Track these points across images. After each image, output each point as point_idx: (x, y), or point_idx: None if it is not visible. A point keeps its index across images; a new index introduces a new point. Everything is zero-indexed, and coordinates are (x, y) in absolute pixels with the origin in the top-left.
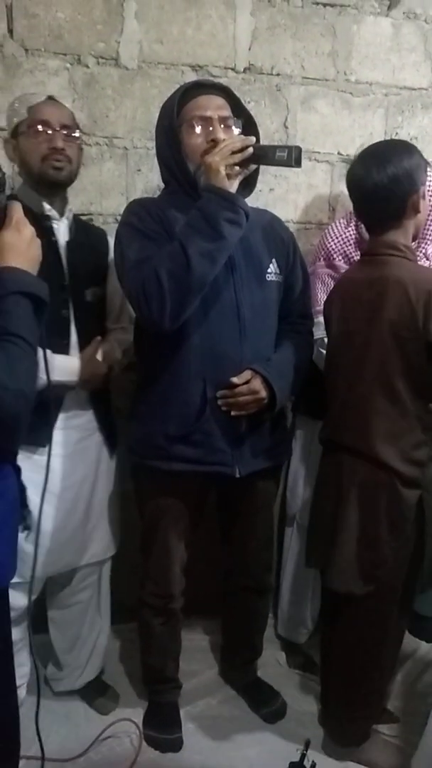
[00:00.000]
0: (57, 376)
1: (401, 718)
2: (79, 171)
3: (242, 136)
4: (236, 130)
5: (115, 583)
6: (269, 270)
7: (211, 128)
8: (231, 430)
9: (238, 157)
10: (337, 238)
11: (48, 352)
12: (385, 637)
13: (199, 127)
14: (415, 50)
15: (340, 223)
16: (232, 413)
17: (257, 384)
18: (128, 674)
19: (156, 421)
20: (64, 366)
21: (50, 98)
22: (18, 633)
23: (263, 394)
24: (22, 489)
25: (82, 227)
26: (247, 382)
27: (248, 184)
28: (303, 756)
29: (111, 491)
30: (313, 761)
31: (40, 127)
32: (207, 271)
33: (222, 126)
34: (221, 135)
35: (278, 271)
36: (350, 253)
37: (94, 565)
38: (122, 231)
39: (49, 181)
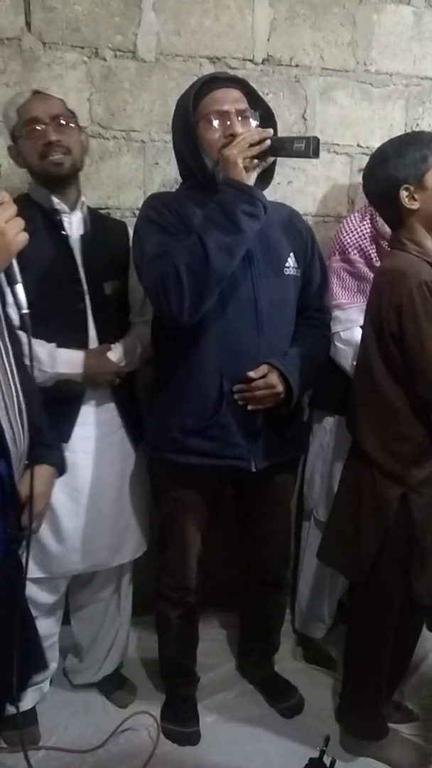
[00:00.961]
0: (61, 369)
1: (421, 716)
2: (85, 158)
3: (260, 128)
4: (254, 123)
5: (135, 577)
6: (287, 264)
7: (228, 122)
8: (247, 424)
9: (255, 150)
10: (352, 232)
11: (52, 346)
12: (384, 632)
13: (217, 121)
14: None
15: (355, 217)
16: (249, 407)
17: (274, 378)
18: (146, 667)
19: (173, 415)
20: (66, 359)
21: (36, 92)
22: (48, 628)
23: (280, 388)
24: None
25: (98, 220)
26: (263, 377)
27: (266, 177)
28: (322, 752)
29: (141, 488)
30: (333, 758)
31: (32, 126)
32: (225, 264)
33: (239, 119)
34: (239, 129)
35: (296, 265)
36: (365, 247)
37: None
38: (141, 225)
39: (52, 177)
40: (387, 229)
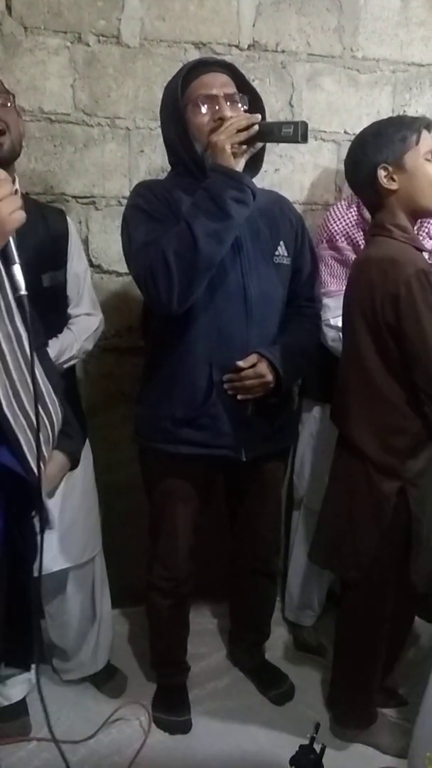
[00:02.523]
0: None
1: (409, 701)
2: (22, 145)
3: (247, 114)
4: (242, 107)
5: (123, 567)
6: (277, 252)
7: (217, 107)
8: (237, 413)
9: (243, 135)
10: (339, 219)
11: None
12: (379, 624)
13: (205, 106)
14: (424, 24)
15: (341, 205)
16: (239, 397)
17: (263, 368)
18: (137, 658)
19: (163, 405)
20: None
21: None
22: None
23: (269, 377)
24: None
25: (35, 208)
26: (253, 366)
27: (255, 163)
28: (312, 739)
29: (88, 488)
30: (322, 744)
31: None
32: (214, 251)
33: (228, 103)
34: (228, 113)
35: (286, 254)
36: (353, 234)
37: (79, 567)
38: (129, 213)
39: None
40: None
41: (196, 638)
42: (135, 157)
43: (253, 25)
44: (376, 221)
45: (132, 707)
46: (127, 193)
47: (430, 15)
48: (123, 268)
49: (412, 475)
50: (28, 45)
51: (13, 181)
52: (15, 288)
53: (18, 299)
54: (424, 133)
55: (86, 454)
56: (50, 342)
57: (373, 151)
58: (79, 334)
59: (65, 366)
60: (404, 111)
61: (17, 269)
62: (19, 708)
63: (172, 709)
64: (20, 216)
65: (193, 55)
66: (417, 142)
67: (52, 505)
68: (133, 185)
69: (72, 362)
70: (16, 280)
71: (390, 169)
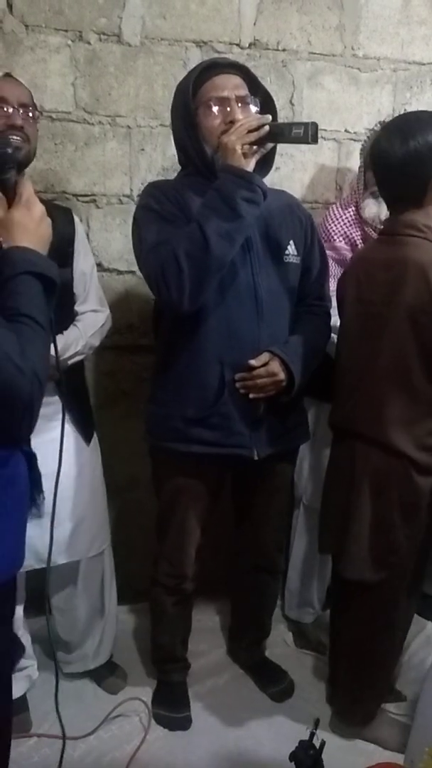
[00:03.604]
0: None
1: (408, 697)
2: (36, 152)
3: (258, 114)
4: (254, 109)
5: (123, 564)
6: (287, 252)
7: (228, 109)
8: (249, 412)
9: (254, 136)
10: (337, 219)
11: None
12: (394, 622)
13: (217, 108)
14: (425, 23)
15: (338, 206)
16: (251, 396)
17: (275, 366)
18: (137, 654)
19: (174, 404)
20: None
21: (8, 75)
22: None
23: (282, 376)
24: (38, 475)
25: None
26: (265, 365)
27: (266, 163)
28: (312, 734)
29: (96, 484)
30: (322, 740)
31: None
32: (225, 251)
33: (239, 105)
34: (239, 115)
35: (296, 253)
36: (351, 234)
37: (92, 560)
38: (139, 214)
39: None
40: (372, 215)
41: (196, 635)
42: (136, 156)
43: (254, 24)
44: (405, 221)
45: (132, 703)
46: (128, 191)
47: (431, 14)
48: (123, 266)
49: None
50: (30, 43)
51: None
52: None
53: None
54: None
55: (94, 449)
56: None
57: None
58: (85, 330)
59: (69, 362)
60: (405, 110)
61: None
62: (20, 704)
63: (172, 705)
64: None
65: (194, 53)
66: None
67: (63, 498)
68: (134, 183)
69: (77, 358)
70: None
71: None
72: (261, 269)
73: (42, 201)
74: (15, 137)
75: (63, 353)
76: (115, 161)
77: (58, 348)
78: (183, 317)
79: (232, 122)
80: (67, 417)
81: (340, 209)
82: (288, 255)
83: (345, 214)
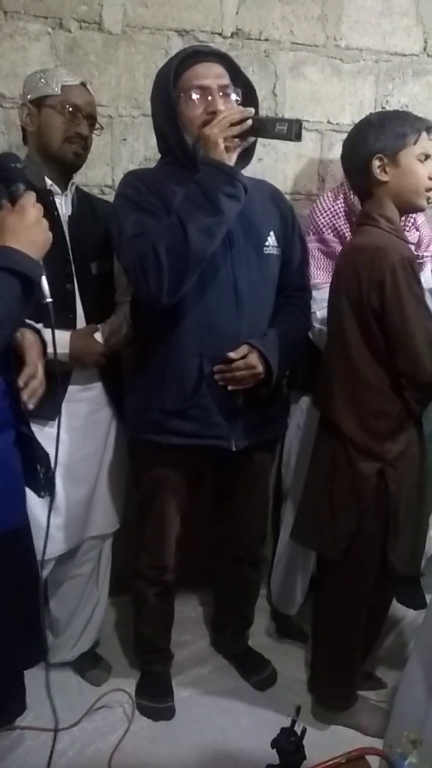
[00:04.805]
0: (48, 349)
1: (389, 684)
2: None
3: (241, 107)
4: (234, 98)
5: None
6: (267, 243)
7: (210, 98)
8: (227, 404)
9: (236, 130)
10: (325, 211)
11: (39, 326)
12: (359, 606)
13: (198, 97)
14: (407, 14)
15: (328, 196)
16: (229, 388)
17: (254, 359)
18: (121, 646)
19: (153, 396)
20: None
21: (83, 85)
22: None
23: (260, 368)
24: (44, 453)
25: (85, 199)
26: (244, 357)
27: (246, 154)
28: (294, 721)
29: (119, 465)
30: (303, 726)
31: (71, 109)
32: (206, 246)
33: (221, 95)
34: (221, 105)
35: (276, 244)
36: (340, 226)
37: (97, 538)
38: (118, 203)
39: (64, 163)
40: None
41: (179, 626)
42: (117, 146)
43: (237, 13)
44: (364, 210)
45: (116, 695)
46: (110, 182)
47: (413, 5)
48: None
49: (391, 457)
50: (9, 30)
51: (70, 178)
52: (43, 295)
53: (45, 306)
54: (423, 135)
55: (119, 432)
56: (99, 326)
57: (372, 140)
58: (127, 318)
59: (113, 349)
60: (387, 101)
61: (44, 279)
62: None
63: (155, 695)
64: (50, 237)
65: (176, 42)
66: (414, 142)
67: (86, 476)
68: (116, 174)
69: (120, 345)
70: (43, 290)
71: (385, 160)
72: (241, 261)
73: (87, 195)
74: (79, 146)
75: (108, 341)
76: (97, 151)
77: (102, 337)
78: (162, 310)
79: (214, 112)
80: (107, 400)
81: (329, 201)
82: (268, 246)
83: (334, 207)
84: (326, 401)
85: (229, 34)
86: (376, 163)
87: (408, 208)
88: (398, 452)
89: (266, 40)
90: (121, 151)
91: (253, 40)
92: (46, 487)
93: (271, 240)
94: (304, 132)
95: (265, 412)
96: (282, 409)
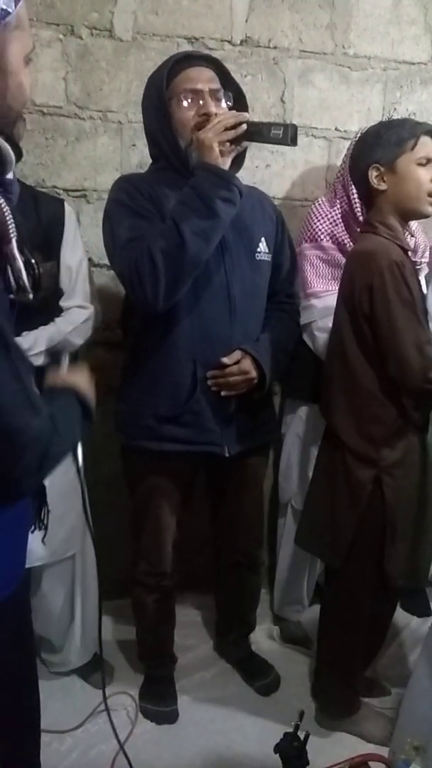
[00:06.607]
0: None
1: (392, 691)
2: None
3: (234, 111)
4: (224, 103)
5: (108, 560)
6: (259, 249)
7: (201, 101)
8: (221, 410)
9: (231, 134)
10: (322, 218)
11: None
12: (359, 612)
13: (190, 100)
14: (415, 23)
15: (324, 203)
16: (222, 393)
17: (247, 364)
18: (124, 648)
19: (146, 402)
20: None
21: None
22: None
23: (253, 374)
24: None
25: (28, 195)
26: (237, 362)
27: (238, 160)
28: (297, 727)
29: (67, 486)
30: (306, 731)
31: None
32: (202, 250)
33: (212, 99)
34: (213, 109)
35: (267, 250)
36: (337, 233)
37: (61, 563)
38: (111, 208)
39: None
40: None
41: (183, 630)
42: (127, 151)
43: (246, 21)
44: (366, 219)
45: (119, 697)
46: None
47: (421, 13)
48: None
49: (387, 464)
50: None
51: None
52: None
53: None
54: (423, 139)
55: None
56: (23, 334)
57: (369, 150)
58: (64, 327)
59: (36, 363)
60: (395, 109)
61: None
62: None
63: (159, 699)
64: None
65: (186, 49)
66: (413, 147)
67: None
68: None
69: (40, 360)
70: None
71: (381, 170)
72: (234, 267)
73: (32, 190)
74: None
75: (29, 351)
76: (106, 156)
77: (26, 345)
78: (156, 315)
79: (206, 115)
80: None
81: (325, 207)
82: (260, 252)
83: (331, 213)
84: (327, 408)
85: (239, 42)
86: (373, 173)
87: (411, 215)
88: (396, 459)
89: (275, 47)
90: (131, 156)
91: (262, 47)
92: (39, 526)
93: (263, 246)
94: (312, 139)
95: (257, 417)
96: (273, 414)
